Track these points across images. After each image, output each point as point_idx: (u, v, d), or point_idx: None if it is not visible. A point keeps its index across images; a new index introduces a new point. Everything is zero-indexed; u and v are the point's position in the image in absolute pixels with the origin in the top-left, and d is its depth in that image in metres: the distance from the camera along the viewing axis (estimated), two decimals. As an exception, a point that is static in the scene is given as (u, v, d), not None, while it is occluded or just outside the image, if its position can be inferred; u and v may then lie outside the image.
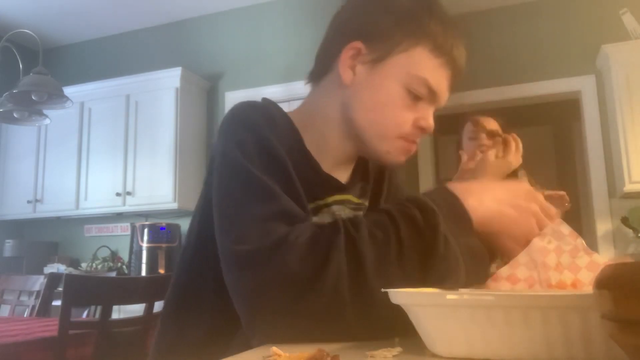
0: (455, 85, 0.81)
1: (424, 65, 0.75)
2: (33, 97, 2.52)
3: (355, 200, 0.86)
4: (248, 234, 0.64)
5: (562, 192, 1.90)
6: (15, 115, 2.71)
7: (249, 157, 0.69)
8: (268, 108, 0.78)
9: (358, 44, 0.76)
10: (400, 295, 0.49)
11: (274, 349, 0.47)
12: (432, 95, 0.77)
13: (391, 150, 0.79)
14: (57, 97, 2.59)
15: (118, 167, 3.91)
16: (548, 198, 2.03)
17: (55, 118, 3.34)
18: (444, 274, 0.61)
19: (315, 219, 0.77)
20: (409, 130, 0.78)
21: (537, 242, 0.63)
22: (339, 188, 0.82)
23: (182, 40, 4.25)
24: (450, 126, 2.30)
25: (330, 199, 0.80)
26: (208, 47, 4.19)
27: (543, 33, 3.79)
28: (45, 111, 2.75)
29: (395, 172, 0.98)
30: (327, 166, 0.80)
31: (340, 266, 0.60)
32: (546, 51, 3.77)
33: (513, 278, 0.61)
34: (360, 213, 0.85)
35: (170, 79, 3.85)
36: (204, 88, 4.11)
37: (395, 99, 0.76)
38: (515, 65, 3.82)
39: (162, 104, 3.86)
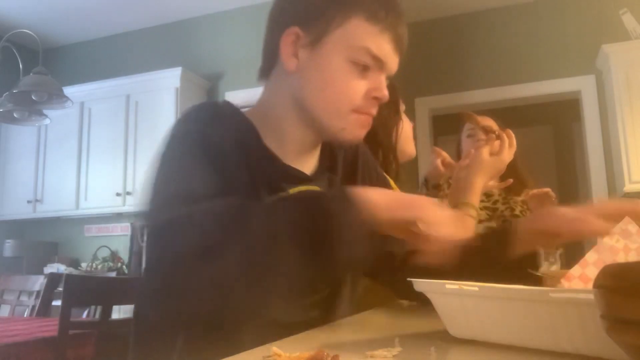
0: (401, 51, 0.80)
1: (362, 35, 0.76)
2: (33, 97, 2.52)
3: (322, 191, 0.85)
4: (154, 210, 0.70)
5: (547, 189, 1.91)
6: (15, 115, 2.71)
7: (180, 149, 0.74)
8: (219, 107, 0.81)
9: (295, 29, 0.78)
10: (418, 284, 0.59)
11: (274, 349, 0.47)
12: (377, 62, 0.77)
13: (346, 127, 0.79)
14: (57, 97, 2.59)
15: (118, 167, 3.91)
16: (533, 196, 2.02)
17: (55, 118, 3.34)
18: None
19: None
20: (362, 102, 0.78)
21: (606, 242, 0.64)
22: (303, 179, 0.82)
23: (182, 40, 4.25)
24: (450, 126, 2.30)
25: (293, 191, 0.80)
26: (208, 47, 4.19)
27: (543, 33, 3.79)
28: (45, 111, 2.75)
29: (370, 162, 0.97)
30: (290, 158, 0.81)
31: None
32: (546, 51, 3.77)
33: (584, 277, 0.63)
34: None
35: (170, 79, 3.85)
36: (204, 88, 4.11)
37: (341, 73, 0.77)
38: (515, 65, 3.83)
39: (162, 104, 3.86)
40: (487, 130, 1.96)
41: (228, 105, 0.83)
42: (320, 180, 0.85)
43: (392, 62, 0.79)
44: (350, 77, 0.77)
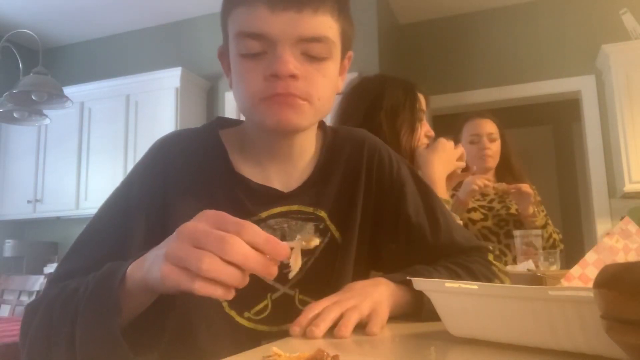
0: (286, 5, 0.68)
1: (237, 22, 0.71)
2: (33, 97, 2.52)
3: (306, 209, 0.79)
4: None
5: (520, 184, 1.93)
6: (15, 115, 2.71)
7: (117, 194, 0.78)
8: (189, 136, 0.82)
9: (221, 48, 0.79)
10: (417, 283, 0.59)
11: (274, 349, 0.47)
12: (259, 39, 0.69)
13: (264, 115, 0.71)
14: (57, 97, 2.59)
15: (118, 167, 3.91)
16: (514, 194, 2.05)
17: (55, 118, 3.34)
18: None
19: None
20: (262, 87, 0.69)
21: (606, 242, 0.64)
22: (277, 197, 0.78)
23: (182, 40, 4.25)
24: (450, 126, 2.30)
25: (265, 214, 0.77)
26: (208, 47, 4.19)
27: (543, 33, 3.79)
28: (45, 111, 2.76)
29: (383, 165, 0.86)
30: (271, 173, 0.79)
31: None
32: (546, 51, 3.77)
33: (584, 277, 0.63)
34: (310, 224, 0.79)
35: (170, 79, 3.85)
36: (204, 88, 4.11)
37: (239, 70, 0.72)
38: (515, 65, 3.83)
39: (162, 104, 3.86)
40: (492, 139, 2.00)
41: (207, 131, 0.82)
42: (302, 196, 0.79)
43: (278, 24, 0.68)
44: (246, 70, 0.71)
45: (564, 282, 0.64)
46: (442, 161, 1.33)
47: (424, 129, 1.42)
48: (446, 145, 1.37)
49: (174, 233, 0.52)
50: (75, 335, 0.56)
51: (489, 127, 2.11)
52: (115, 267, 0.58)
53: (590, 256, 0.64)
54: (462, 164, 1.41)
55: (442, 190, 1.29)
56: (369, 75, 1.50)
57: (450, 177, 1.38)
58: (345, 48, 0.77)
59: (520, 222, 2.01)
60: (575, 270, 0.64)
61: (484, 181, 1.87)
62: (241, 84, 0.72)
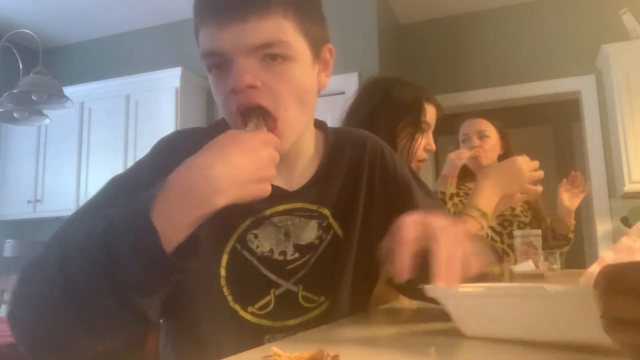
0: (224, 15, 0.69)
1: (200, 43, 0.73)
2: (33, 97, 2.53)
3: (310, 206, 0.81)
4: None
5: (573, 172, 2.04)
6: (15, 115, 2.71)
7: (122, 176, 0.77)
8: (199, 132, 0.83)
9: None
10: (429, 290, 0.58)
11: (274, 349, 0.47)
12: (217, 56, 0.71)
13: (236, 124, 0.74)
14: (57, 97, 2.59)
15: (118, 167, 3.91)
16: (564, 184, 2.15)
17: (55, 118, 3.34)
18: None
19: (257, 232, 0.77)
20: (230, 101, 0.72)
21: (624, 241, 0.64)
22: (283, 196, 0.79)
23: (182, 40, 4.25)
24: (449, 126, 2.30)
25: (269, 211, 0.78)
26: (208, 47, 4.20)
27: (543, 33, 3.80)
28: (45, 111, 2.75)
29: (386, 162, 0.88)
30: (279, 175, 0.77)
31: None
32: (546, 51, 3.77)
33: None
34: (314, 221, 0.81)
35: (170, 79, 3.85)
36: (204, 88, 4.11)
37: (211, 86, 0.76)
38: (515, 65, 3.83)
39: (162, 104, 3.86)
40: (482, 136, 2.01)
41: (216, 130, 0.81)
42: (305, 194, 0.81)
43: (227, 39, 0.68)
44: (214, 85, 0.75)
45: (582, 281, 0.65)
46: (498, 174, 1.23)
47: (424, 141, 1.38)
48: (516, 161, 1.20)
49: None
50: (115, 254, 0.57)
51: (481, 125, 2.10)
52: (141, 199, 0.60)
53: (608, 256, 0.64)
54: (535, 189, 1.21)
55: (482, 202, 1.21)
56: (384, 75, 1.48)
57: (510, 197, 1.22)
58: (315, 44, 0.75)
59: (524, 222, 2.01)
60: (593, 269, 0.64)
61: (467, 153, 1.95)
62: (216, 98, 0.75)
